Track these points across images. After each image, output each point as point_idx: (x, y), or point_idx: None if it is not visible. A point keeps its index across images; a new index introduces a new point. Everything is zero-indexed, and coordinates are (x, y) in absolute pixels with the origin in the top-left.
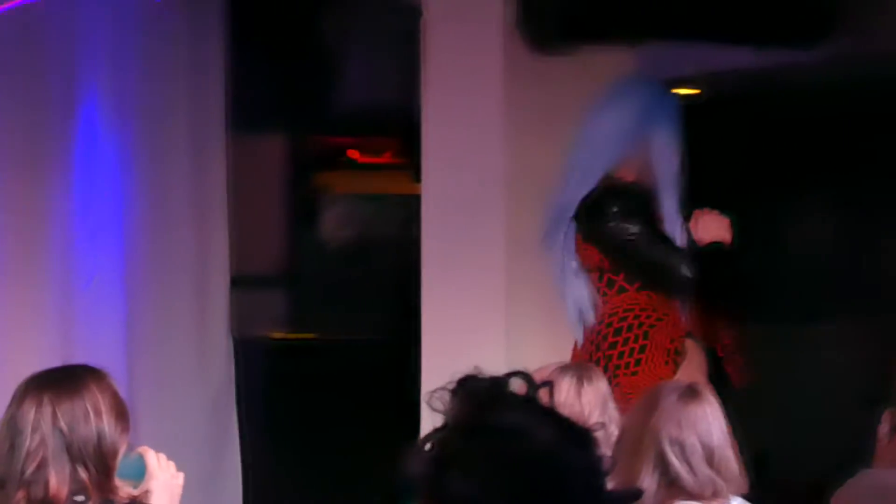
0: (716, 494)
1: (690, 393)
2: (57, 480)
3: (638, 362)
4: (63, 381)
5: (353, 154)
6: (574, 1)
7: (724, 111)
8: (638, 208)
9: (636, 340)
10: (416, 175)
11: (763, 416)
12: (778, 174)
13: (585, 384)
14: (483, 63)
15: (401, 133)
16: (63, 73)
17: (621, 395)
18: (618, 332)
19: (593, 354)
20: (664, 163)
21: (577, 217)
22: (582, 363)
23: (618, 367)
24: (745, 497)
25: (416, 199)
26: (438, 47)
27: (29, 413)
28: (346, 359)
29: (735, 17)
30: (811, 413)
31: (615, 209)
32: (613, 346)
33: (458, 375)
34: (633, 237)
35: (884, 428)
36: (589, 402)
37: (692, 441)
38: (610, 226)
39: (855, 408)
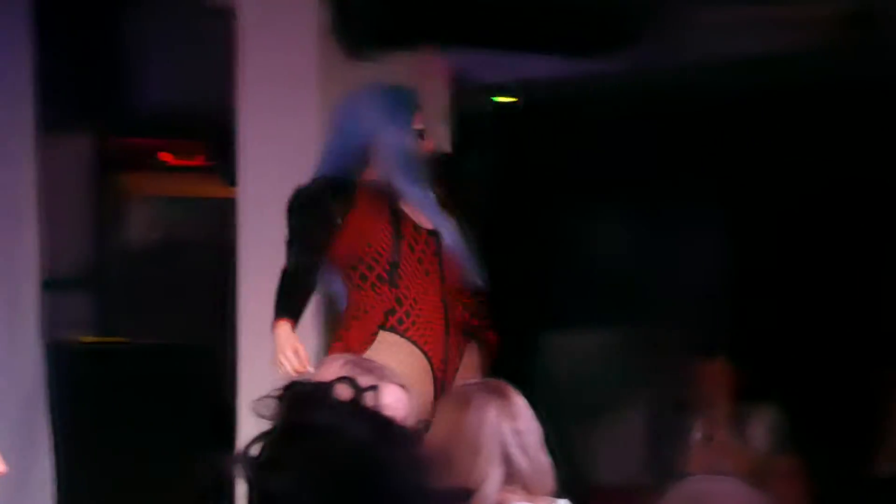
0: (546, 487)
1: (500, 388)
2: None
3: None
4: None
5: (166, 156)
6: (386, 7)
7: (538, 118)
8: (308, 202)
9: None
10: (229, 178)
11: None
12: (584, 179)
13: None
14: (298, 66)
15: (213, 136)
16: None
17: None
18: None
19: None
20: (392, 157)
21: None
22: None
23: None
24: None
25: (228, 202)
26: (253, 51)
27: None
28: (157, 363)
29: (544, 24)
30: (607, 419)
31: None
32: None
33: (279, 380)
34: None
35: (696, 435)
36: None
37: (527, 429)
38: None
39: (657, 414)
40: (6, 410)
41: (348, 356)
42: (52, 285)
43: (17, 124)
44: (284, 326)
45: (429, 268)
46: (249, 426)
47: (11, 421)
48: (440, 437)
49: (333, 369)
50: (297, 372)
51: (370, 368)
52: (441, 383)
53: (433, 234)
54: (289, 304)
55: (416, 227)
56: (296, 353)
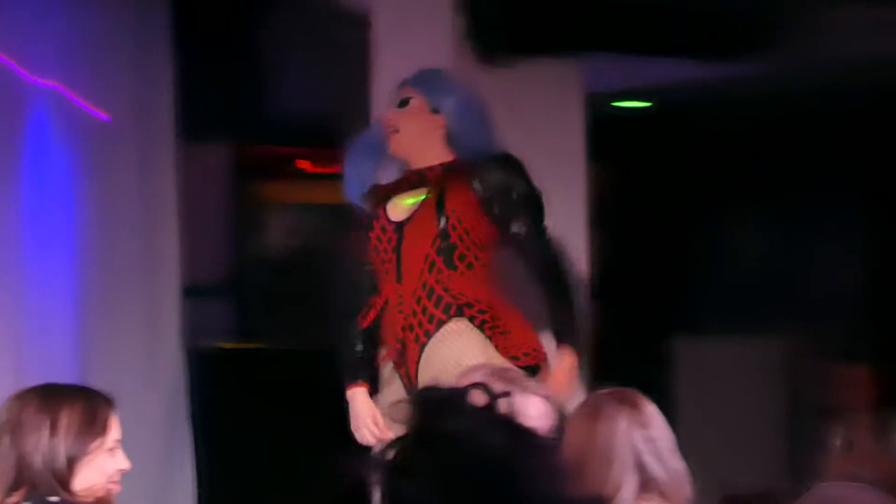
0: (683, 494)
1: (630, 396)
2: None
3: None
4: (47, 395)
5: (303, 164)
6: (521, 14)
7: (671, 123)
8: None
9: None
10: None
11: (696, 428)
12: (719, 185)
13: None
14: None
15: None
16: (9, 84)
17: None
18: None
19: None
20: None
21: None
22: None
23: None
24: None
25: None
26: (388, 58)
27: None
28: (294, 368)
29: (678, 29)
30: (746, 426)
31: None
32: None
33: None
34: None
35: (835, 442)
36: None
37: (659, 436)
38: None
39: (797, 420)
40: (148, 414)
41: (492, 366)
42: (191, 292)
43: (156, 134)
44: (361, 393)
45: (388, 266)
46: None
47: (153, 425)
48: (572, 447)
49: (475, 379)
50: (378, 440)
51: (513, 379)
52: (408, 381)
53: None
54: (361, 366)
55: (384, 226)
56: (375, 422)
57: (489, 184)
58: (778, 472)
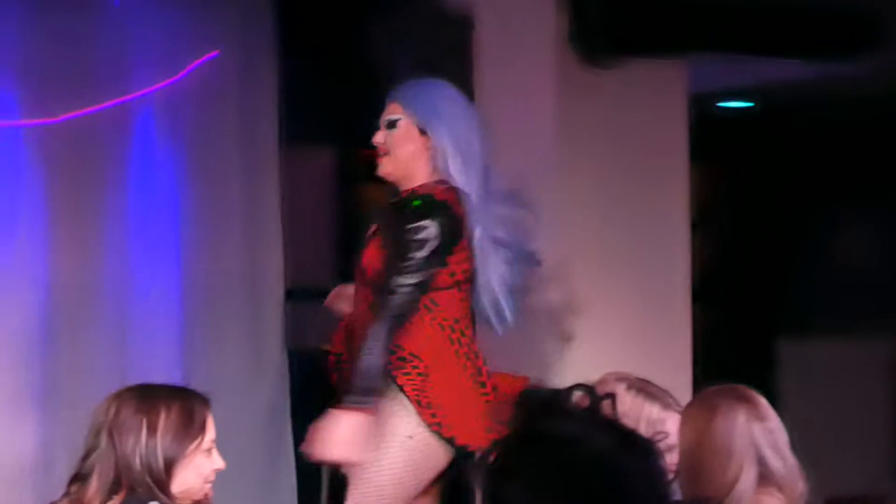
0: (798, 489)
1: (745, 392)
2: (95, 488)
3: None
4: (144, 395)
5: None
6: (625, 14)
7: (775, 123)
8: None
9: None
10: None
11: (801, 429)
12: (824, 185)
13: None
14: (535, 74)
15: None
16: (116, 88)
17: None
18: None
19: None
20: None
21: None
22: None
23: None
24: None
25: None
26: (490, 60)
27: (94, 418)
28: None
29: (783, 29)
30: (851, 427)
31: None
32: None
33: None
34: None
35: None
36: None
37: (777, 429)
38: None
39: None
40: (253, 416)
41: (632, 378)
42: (295, 295)
43: (260, 137)
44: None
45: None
46: None
47: (258, 426)
48: (689, 443)
49: (617, 393)
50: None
51: (654, 394)
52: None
53: None
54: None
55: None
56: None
57: (387, 226)
58: (883, 473)
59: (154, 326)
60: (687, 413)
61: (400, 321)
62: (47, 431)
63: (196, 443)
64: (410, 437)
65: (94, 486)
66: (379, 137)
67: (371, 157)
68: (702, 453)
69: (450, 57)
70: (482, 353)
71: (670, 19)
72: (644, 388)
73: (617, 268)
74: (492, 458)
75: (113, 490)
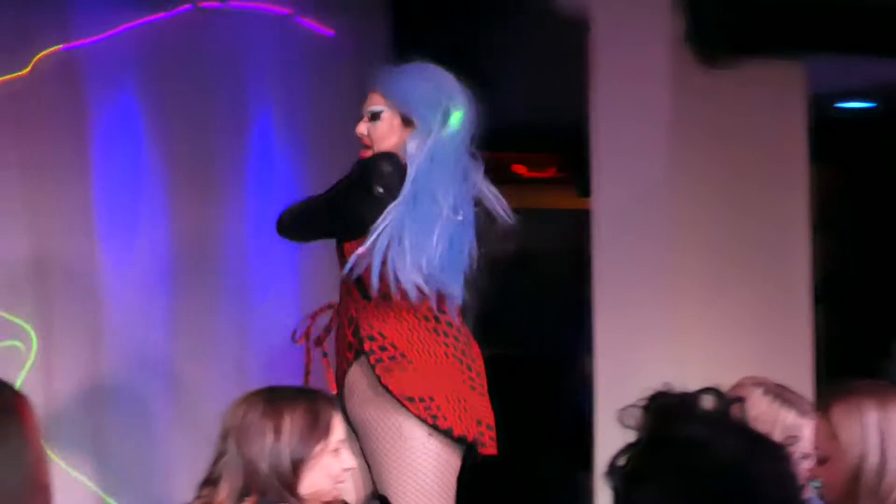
0: None
1: (887, 388)
2: (225, 492)
3: None
4: (269, 399)
5: (519, 169)
6: (742, 14)
7: None
8: None
9: None
10: (582, 189)
11: None
12: None
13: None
14: (651, 76)
15: (566, 147)
16: (232, 91)
17: None
18: None
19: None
20: None
21: None
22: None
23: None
24: None
25: (581, 213)
26: (606, 61)
27: (223, 423)
28: (514, 373)
29: None
30: None
31: None
32: None
33: (641, 390)
34: None
35: None
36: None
37: None
38: None
39: None
40: None
41: (769, 383)
42: None
43: None
44: None
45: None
46: (606, 435)
47: None
48: (842, 444)
49: (753, 397)
50: None
51: (791, 400)
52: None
53: None
54: None
55: None
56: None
57: None
58: None
59: (272, 328)
60: (834, 414)
61: (337, 204)
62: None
63: (322, 444)
64: (430, 435)
65: (224, 491)
66: (362, 129)
67: (487, 159)
68: (856, 452)
69: (565, 59)
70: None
71: (788, 19)
72: (781, 394)
73: (736, 271)
74: (622, 462)
75: (243, 494)
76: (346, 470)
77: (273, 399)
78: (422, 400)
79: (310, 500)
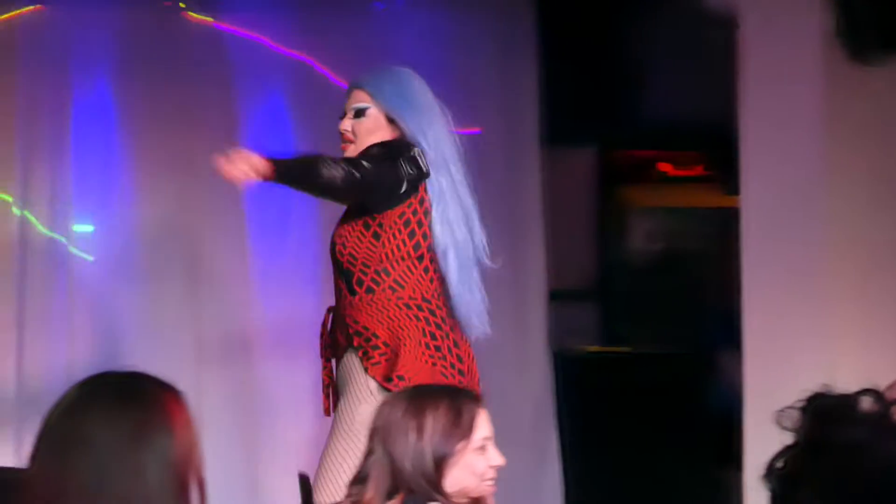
0: None
1: None
2: (373, 491)
3: None
4: (413, 397)
5: (665, 167)
6: (892, 10)
7: None
8: None
9: None
10: (728, 188)
11: None
12: None
13: None
14: (801, 74)
15: (713, 146)
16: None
17: None
18: None
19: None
20: None
21: None
22: None
23: None
24: None
25: (728, 212)
26: (755, 59)
27: (372, 423)
28: (661, 372)
29: None
30: None
31: None
32: None
33: (798, 392)
34: None
35: None
36: None
37: None
38: None
39: None
40: (519, 417)
41: None
42: (558, 296)
43: (521, 138)
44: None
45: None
46: (756, 436)
47: (524, 427)
48: None
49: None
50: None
51: None
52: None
53: None
54: None
55: None
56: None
57: None
58: None
59: None
60: None
61: (327, 180)
62: None
63: (464, 442)
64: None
65: (371, 490)
66: (346, 125)
67: (633, 157)
68: None
69: (712, 56)
70: (464, 335)
71: None
72: None
73: (891, 272)
74: (780, 464)
75: (391, 492)
76: (492, 467)
77: (416, 398)
78: (400, 378)
79: (456, 496)
